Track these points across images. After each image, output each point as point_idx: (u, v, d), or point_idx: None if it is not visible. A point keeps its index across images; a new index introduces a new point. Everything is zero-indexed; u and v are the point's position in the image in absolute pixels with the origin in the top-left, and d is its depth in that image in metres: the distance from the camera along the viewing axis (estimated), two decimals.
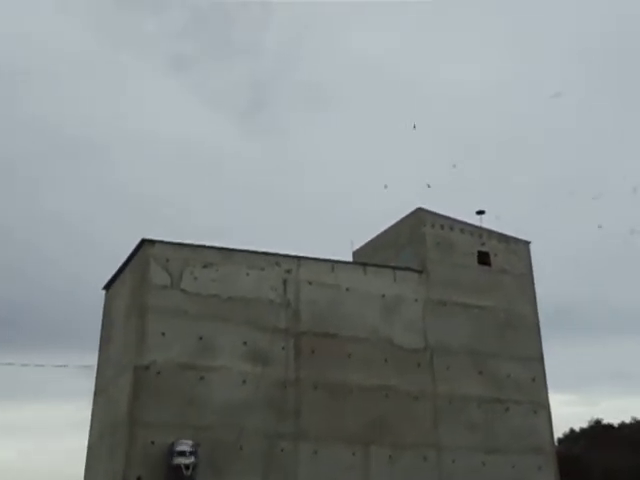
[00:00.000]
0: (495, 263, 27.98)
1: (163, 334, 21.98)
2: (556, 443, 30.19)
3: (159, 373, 21.55)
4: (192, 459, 20.39)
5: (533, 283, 28.63)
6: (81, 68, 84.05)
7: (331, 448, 22.88)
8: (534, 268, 28.91)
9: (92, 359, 26.80)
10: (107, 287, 27.27)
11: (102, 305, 27.41)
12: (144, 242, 23.15)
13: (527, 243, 29.25)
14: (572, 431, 60.96)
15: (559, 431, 60.48)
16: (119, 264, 25.40)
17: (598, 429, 59.21)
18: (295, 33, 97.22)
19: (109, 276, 26.58)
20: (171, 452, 20.45)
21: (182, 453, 20.37)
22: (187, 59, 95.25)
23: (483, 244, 28.10)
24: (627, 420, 59.85)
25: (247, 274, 23.79)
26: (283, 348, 23.38)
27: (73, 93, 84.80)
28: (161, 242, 23.14)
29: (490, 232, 28.43)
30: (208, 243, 23.73)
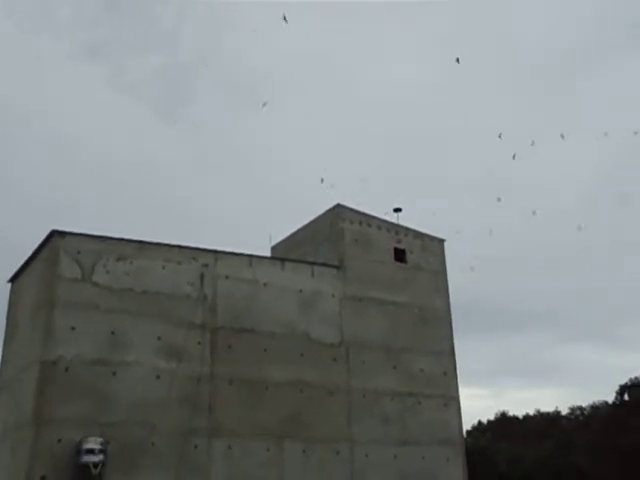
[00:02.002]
0: (411, 260, 28.59)
1: (73, 328, 21.24)
2: (465, 435, 31.22)
3: (67, 369, 20.80)
4: (101, 457, 19.83)
5: (446, 280, 29.45)
6: None
7: (245, 443, 22.78)
8: (447, 265, 29.76)
9: None
10: (13, 280, 26.07)
11: (7, 298, 26.19)
12: (54, 233, 22.25)
13: (442, 241, 30.04)
14: (480, 423, 63.42)
15: (468, 423, 62.85)
16: (26, 256, 24.32)
17: (504, 421, 61.88)
18: (215, 27, 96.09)
19: (15, 268, 25.43)
20: (79, 450, 19.80)
21: (90, 451, 19.76)
22: (103, 47, 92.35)
23: (399, 241, 28.64)
24: (531, 412, 62.83)
25: (163, 268, 23.30)
26: (199, 343, 23.06)
27: None
28: (72, 234, 22.30)
29: (406, 229, 29.02)
30: (122, 236, 23.10)
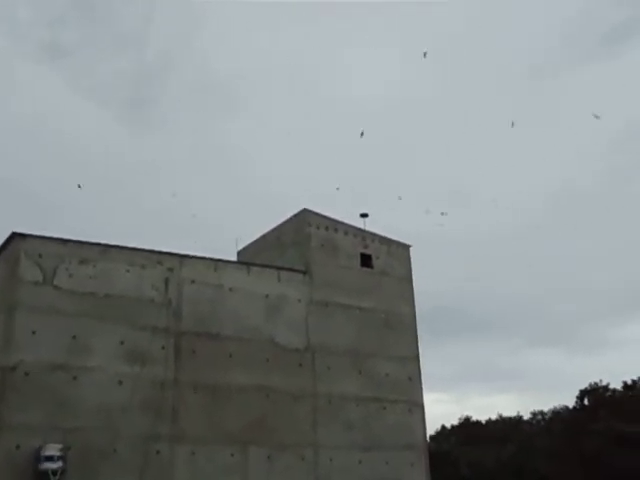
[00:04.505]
0: (377, 265, 28.70)
1: (33, 333, 20.82)
2: (428, 440, 31.41)
3: (27, 374, 20.38)
4: (60, 464, 19.48)
5: (412, 285, 29.63)
6: None
7: (209, 449, 22.57)
8: (413, 271, 29.94)
9: None
10: None
11: None
12: (15, 235, 21.81)
13: (407, 247, 30.22)
14: (443, 428, 63.90)
15: (431, 428, 63.28)
16: None
17: (467, 426, 62.44)
18: (182, 28, 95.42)
19: None
20: (38, 457, 19.42)
21: (49, 458, 19.41)
22: (64, 48, 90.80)
23: (366, 246, 28.74)
24: (494, 417, 63.58)
25: (127, 271, 22.99)
26: (163, 348, 22.80)
27: None
28: (33, 236, 21.88)
29: (373, 235, 29.13)
30: (85, 239, 22.73)
